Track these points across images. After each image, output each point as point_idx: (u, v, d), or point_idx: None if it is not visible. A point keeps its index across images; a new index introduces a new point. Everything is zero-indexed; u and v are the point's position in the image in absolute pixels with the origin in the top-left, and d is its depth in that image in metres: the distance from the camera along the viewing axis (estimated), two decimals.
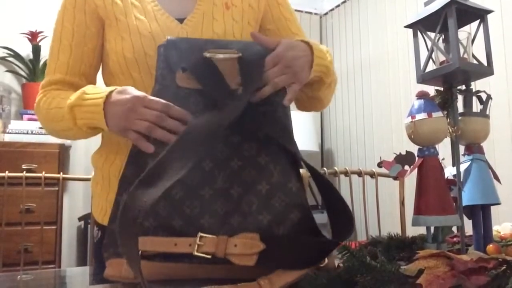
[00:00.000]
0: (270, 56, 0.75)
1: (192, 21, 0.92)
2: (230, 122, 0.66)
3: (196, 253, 0.62)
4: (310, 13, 3.53)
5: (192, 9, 0.93)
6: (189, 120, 0.70)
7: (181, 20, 0.92)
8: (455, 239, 0.77)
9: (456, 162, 0.70)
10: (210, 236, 0.64)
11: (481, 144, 0.73)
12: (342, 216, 0.68)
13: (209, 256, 0.62)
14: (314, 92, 0.93)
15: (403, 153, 0.69)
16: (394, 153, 0.70)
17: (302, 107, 1.06)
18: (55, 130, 0.91)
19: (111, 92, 0.77)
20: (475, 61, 0.73)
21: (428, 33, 0.72)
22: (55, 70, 0.94)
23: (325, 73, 0.87)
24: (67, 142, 2.51)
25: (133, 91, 0.75)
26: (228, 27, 0.93)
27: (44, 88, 0.94)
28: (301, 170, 0.94)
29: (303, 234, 0.67)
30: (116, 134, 0.78)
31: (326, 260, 0.65)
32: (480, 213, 0.71)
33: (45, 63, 2.58)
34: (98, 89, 0.81)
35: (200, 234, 0.64)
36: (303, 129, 2.91)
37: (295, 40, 0.81)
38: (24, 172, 1.53)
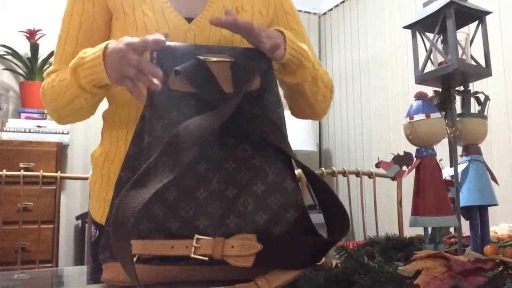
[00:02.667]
0: (255, 28, 0.77)
1: (201, 22, 0.91)
2: (221, 124, 0.66)
3: (193, 256, 0.62)
4: (309, 12, 3.53)
5: (202, 9, 0.93)
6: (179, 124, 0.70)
7: (190, 20, 0.91)
8: (452, 239, 0.77)
9: (453, 163, 0.70)
10: (206, 238, 0.63)
11: (479, 145, 0.73)
12: (337, 215, 0.68)
13: (206, 258, 0.62)
14: (299, 79, 0.91)
15: (401, 153, 0.69)
16: (392, 154, 0.70)
17: (295, 112, 1.05)
18: (61, 108, 0.89)
19: (108, 43, 0.77)
20: (473, 62, 0.73)
21: (427, 34, 0.72)
22: (61, 60, 0.94)
23: (302, 55, 0.87)
24: (65, 140, 2.51)
25: (128, 39, 0.75)
26: None
27: (49, 76, 0.94)
28: (300, 171, 0.94)
29: (299, 234, 0.68)
30: (117, 84, 0.78)
31: (323, 259, 0.65)
32: (478, 214, 0.71)
33: (43, 61, 2.58)
34: (97, 46, 0.81)
35: (196, 236, 0.63)
36: (301, 130, 2.91)
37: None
38: (22, 170, 1.53)
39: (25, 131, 2.40)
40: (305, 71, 0.90)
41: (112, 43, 0.77)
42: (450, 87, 0.71)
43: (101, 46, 0.78)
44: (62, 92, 0.86)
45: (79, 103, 0.85)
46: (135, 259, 0.63)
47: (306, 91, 0.95)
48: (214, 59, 0.75)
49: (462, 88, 0.74)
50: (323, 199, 0.70)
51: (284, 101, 0.82)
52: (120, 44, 0.75)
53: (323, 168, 1.72)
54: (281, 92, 0.82)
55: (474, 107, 0.74)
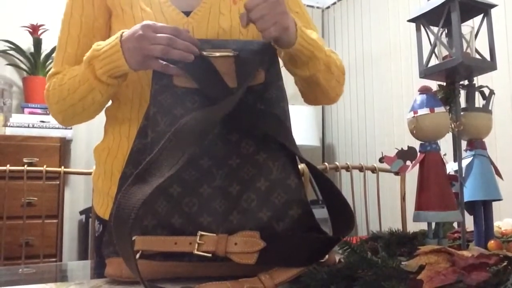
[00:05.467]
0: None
1: (198, 15, 0.91)
2: (222, 118, 0.66)
3: (196, 252, 0.62)
4: (312, 6, 3.51)
5: (199, 2, 0.92)
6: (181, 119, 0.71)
7: (187, 13, 0.91)
8: (456, 235, 0.77)
9: (458, 157, 0.69)
10: (210, 234, 0.63)
11: (483, 140, 0.73)
12: (342, 213, 0.67)
13: (209, 255, 0.62)
14: (311, 70, 0.90)
15: (405, 148, 0.69)
16: (396, 148, 0.69)
17: (308, 99, 1.04)
18: (71, 106, 0.89)
19: (122, 32, 0.79)
20: (478, 56, 0.72)
21: (431, 27, 0.72)
22: (63, 61, 0.94)
23: (314, 46, 0.86)
24: (68, 135, 2.51)
25: (145, 22, 0.77)
26: (235, 22, 0.92)
27: (51, 77, 0.93)
28: (303, 165, 0.93)
29: (303, 230, 0.67)
30: (139, 68, 0.79)
31: (327, 255, 0.65)
32: (482, 209, 0.70)
33: (46, 56, 2.58)
34: (111, 38, 0.82)
35: (200, 232, 0.63)
36: (305, 124, 2.91)
37: None
38: (25, 165, 1.54)
39: (28, 126, 2.40)
40: (318, 62, 0.89)
41: (127, 31, 0.79)
42: (455, 81, 0.71)
43: (117, 35, 0.79)
44: (74, 88, 0.86)
45: (92, 97, 0.85)
46: (138, 254, 0.63)
47: (320, 80, 0.94)
48: (218, 54, 0.75)
49: (466, 82, 0.74)
50: (328, 196, 0.70)
51: (288, 93, 0.81)
52: (135, 27, 0.77)
53: (326, 163, 1.71)
54: (285, 85, 0.82)
55: (479, 102, 0.73)
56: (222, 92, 0.71)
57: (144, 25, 0.75)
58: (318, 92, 0.99)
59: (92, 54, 0.81)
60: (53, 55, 2.25)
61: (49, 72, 0.95)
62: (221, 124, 0.70)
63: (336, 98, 1.04)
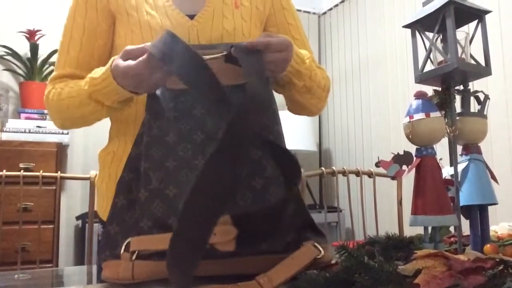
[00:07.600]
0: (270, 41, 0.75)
1: (203, 18, 0.93)
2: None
3: None
4: (309, 12, 3.53)
5: (203, 6, 0.94)
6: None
7: (191, 17, 0.93)
8: (452, 239, 0.77)
9: (453, 162, 0.70)
10: None
11: (479, 144, 0.73)
12: (287, 161, 0.68)
13: None
14: (287, 92, 0.93)
15: (401, 153, 0.69)
16: (392, 153, 0.70)
17: (288, 109, 1.06)
18: (70, 117, 0.90)
19: (111, 68, 0.77)
20: (473, 61, 0.73)
21: (427, 33, 0.72)
22: (65, 64, 0.95)
23: (294, 74, 0.87)
24: (65, 140, 2.51)
25: (125, 66, 0.74)
26: (238, 25, 0.94)
27: (53, 82, 0.95)
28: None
29: (298, 226, 0.69)
30: (152, 91, 0.77)
31: (322, 252, 0.66)
32: (478, 213, 0.71)
33: (42, 62, 2.57)
34: (100, 70, 0.82)
35: None
36: (302, 129, 2.91)
37: (287, 39, 0.80)
38: (22, 171, 1.53)
39: (25, 132, 2.39)
40: (294, 87, 0.91)
41: (114, 68, 0.77)
42: (450, 86, 0.71)
43: (106, 71, 0.78)
44: (74, 107, 0.87)
45: (95, 117, 0.88)
46: (134, 255, 0.63)
47: (297, 98, 0.96)
48: (207, 57, 0.73)
49: (461, 87, 0.74)
50: (273, 152, 0.71)
51: (283, 101, 0.82)
52: (125, 72, 0.74)
53: (323, 168, 1.72)
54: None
55: (474, 106, 0.74)
56: (214, 89, 0.70)
57: (137, 71, 0.73)
58: (297, 107, 1.01)
59: (91, 89, 0.81)
60: (50, 60, 2.23)
61: (51, 76, 0.96)
62: (214, 127, 0.71)
63: (317, 113, 1.06)
